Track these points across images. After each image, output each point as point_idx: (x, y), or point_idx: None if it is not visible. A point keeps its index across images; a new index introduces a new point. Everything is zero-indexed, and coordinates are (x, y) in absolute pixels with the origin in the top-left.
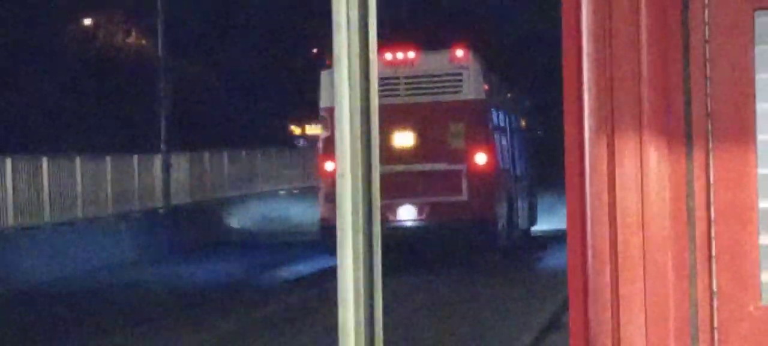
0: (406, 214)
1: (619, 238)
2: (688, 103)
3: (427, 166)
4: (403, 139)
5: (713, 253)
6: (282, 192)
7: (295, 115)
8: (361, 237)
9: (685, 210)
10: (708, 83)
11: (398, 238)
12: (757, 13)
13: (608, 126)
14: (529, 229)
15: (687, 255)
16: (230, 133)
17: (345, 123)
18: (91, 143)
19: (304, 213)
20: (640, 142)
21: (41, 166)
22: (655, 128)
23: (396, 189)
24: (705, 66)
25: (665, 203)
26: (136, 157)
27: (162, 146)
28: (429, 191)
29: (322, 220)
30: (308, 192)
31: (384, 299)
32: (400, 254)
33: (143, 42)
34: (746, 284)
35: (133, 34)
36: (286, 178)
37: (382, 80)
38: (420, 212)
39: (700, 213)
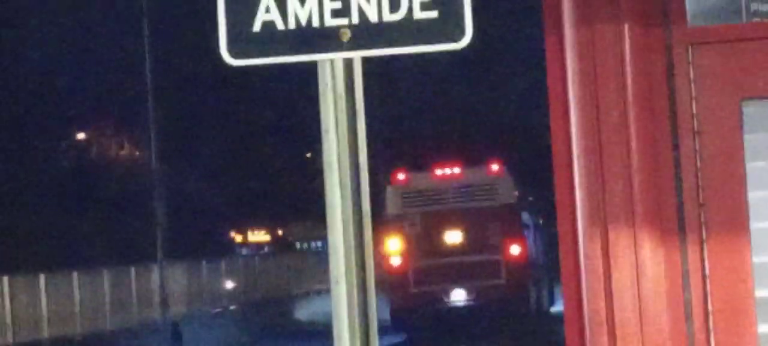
0: (458, 296)
1: (618, 334)
2: (679, 194)
3: (473, 258)
4: (453, 237)
5: (712, 344)
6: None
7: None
8: (357, 340)
9: (683, 304)
10: (699, 174)
11: (452, 317)
12: (743, 102)
13: (601, 222)
14: (549, 309)
15: None
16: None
17: (337, 231)
18: (88, 257)
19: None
20: (634, 237)
21: (39, 283)
22: (648, 221)
23: (449, 277)
24: (695, 157)
25: (662, 297)
26: (133, 269)
27: (159, 256)
28: (475, 277)
29: (393, 310)
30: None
31: None
32: (454, 329)
33: (137, 153)
34: None
35: (127, 146)
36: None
37: (434, 191)
38: (469, 294)
39: (697, 306)
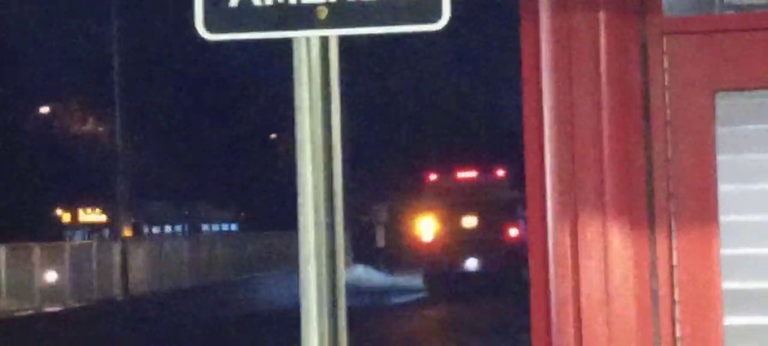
0: (471, 264)
1: (584, 321)
2: (650, 184)
3: (482, 237)
4: (468, 222)
5: (678, 334)
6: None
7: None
8: (326, 322)
9: (650, 293)
10: (670, 165)
11: (466, 279)
12: (718, 94)
13: (571, 209)
14: None
15: (652, 337)
16: None
17: (308, 210)
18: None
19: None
20: (603, 225)
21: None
22: (618, 211)
23: (465, 251)
24: (666, 148)
25: (629, 284)
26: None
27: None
28: (483, 251)
29: (424, 275)
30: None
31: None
32: (468, 287)
33: (100, 129)
34: None
35: (90, 121)
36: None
37: (456, 188)
38: (479, 263)
39: (663, 295)
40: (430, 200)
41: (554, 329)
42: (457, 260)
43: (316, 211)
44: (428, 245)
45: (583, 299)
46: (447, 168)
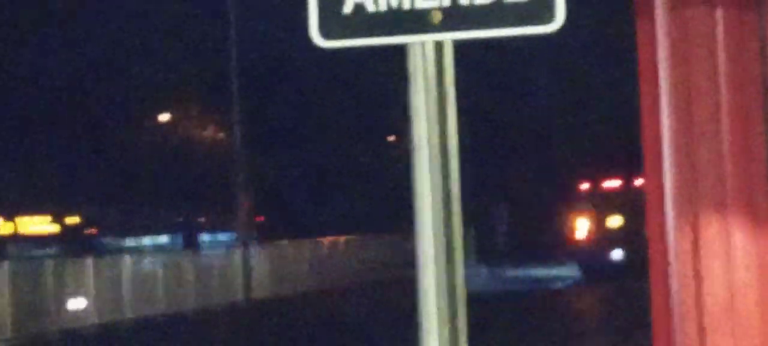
0: (617, 255)
1: (706, 326)
2: None
3: (625, 233)
4: (614, 222)
5: None
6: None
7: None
8: (446, 329)
9: None
10: None
11: (613, 266)
12: None
13: (691, 210)
14: None
15: None
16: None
17: (426, 215)
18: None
19: None
20: (725, 226)
21: (123, 262)
22: (740, 210)
23: (612, 243)
24: None
25: (753, 288)
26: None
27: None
28: (626, 244)
29: (579, 263)
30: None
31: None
32: (614, 272)
33: (221, 135)
34: None
35: (210, 128)
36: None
37: (604, 195)
38: (623, 254)
39: None
40: (583, 203)
41: (675, 332)
42: (606, 251)
43: (434, 215)
44: (583, 240)
45: (705, 304)
46: (597, 176)
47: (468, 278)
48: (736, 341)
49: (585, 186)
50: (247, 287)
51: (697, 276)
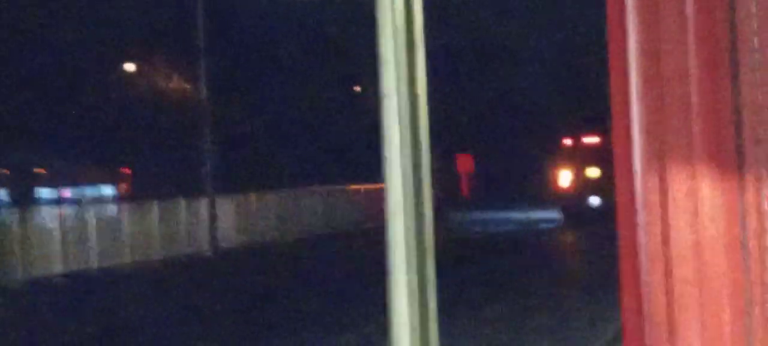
0: (594, 201)
1: (673, 270)
2: (739, 132)
3: (601, 181)
4: (592, 172)
5: None
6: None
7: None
8: (414, 277)
9: (739, 241)
10: (758, 112)
11: (591, 211)
12: None
13: (659, 159)
14: None
15: (742, 284)
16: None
17: (395, 163)
18: (138, 188)
19: None
20: (692, 174)
21: (88, 212)
22: (707, 159)
23: (590, 191)
24: (756, 93)
25: (719, 232)
26: (182, 201)
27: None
28: (602, 191)
29: (562, 208)
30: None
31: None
32: (592, 216)
33: (186, 86)
34: None
35: (175, 79)
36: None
37: (584, 149)
38: (600, 200)
39: (753, 242)
40: (565, 155)
41: (643, 278)
42: (584, 197)
43: (402, 163)
44: (565, 188)
45: (672, 249)
46: (579, 133)
47: (465, 222)
48: (701, 289)
49: (568, 142)
50: (214, 238)
51: (665, 227)
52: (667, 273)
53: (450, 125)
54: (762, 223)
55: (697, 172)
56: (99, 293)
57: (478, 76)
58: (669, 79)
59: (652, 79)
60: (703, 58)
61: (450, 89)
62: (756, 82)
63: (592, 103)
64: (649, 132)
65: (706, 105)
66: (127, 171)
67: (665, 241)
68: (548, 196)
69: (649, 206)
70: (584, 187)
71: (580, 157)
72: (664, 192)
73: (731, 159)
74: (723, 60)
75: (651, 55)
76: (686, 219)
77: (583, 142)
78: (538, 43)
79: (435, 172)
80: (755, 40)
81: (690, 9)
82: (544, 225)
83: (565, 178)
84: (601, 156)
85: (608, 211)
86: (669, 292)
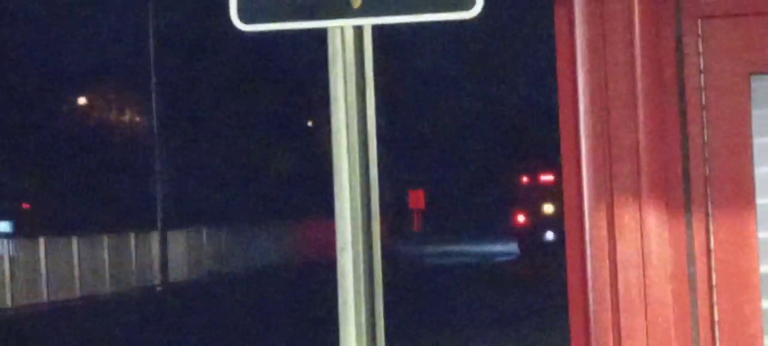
0: (549, 236)
1: (621, 305)
2: (686, 169)
3: (556, 218)
4: (547, 209)
5: (716, 318)
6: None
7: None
8: (363, 314)
9: (687, 278)
10: (705, 149)
11: (544, 245)
12: (753, 76)
13: (607, 197)
14: None
15: (690, 321)
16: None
17: (344, 198)
18: (88, 222)
19: None
20: (640, 211)
21: (38, 246)
22: (655, 196)
23: (545, 226)
24: (702, 132)
25: (667, 269)
26: (132, 235)
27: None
28: (557, 226)
29: (519, 243)
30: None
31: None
32: (546, 249)
33: (137, 119)
34: None
35: (127, 111)
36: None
37: (539, 187)
38: (554, 235)
39: (701, 279)
40: (521, 193)
41: (591, 312)
42: (540, 232)
43: (352, 198)
44: (522, 224)
45: (620, 285)
46: (534, 172)
47: (422, 254)
48: (649, 322)
49: (525, 179)
50: (165, 270)
51: (612, 264)
52: (614, 308)
53: (402, 162)
54: (709, 261)
55: (645, 208)
56: (42, 329)
57: (430, 113)
58: (617, 119)
59: (600, 120)
60: (650, 97)
61: (402, 125)
62: (703, 121)
63: (550, 142)
64: (597, 170)
65: (654, 143)
66: (27, 206)
67: (613, 276)
68: (505, 230)
69: (597, 242)
70: (540, 222)
71: (537, 194)
72: (611, 229)
73: (679, 198)
74: (671, 98)
75: (599, 96)
76: (633, 256)
77: (539, 180)
78: (492, 85)
79: (386, 207)
80: (702, 79)
81: (638, 48)
82: (500, 258)
83: (521, 214)
84: (556, 193)
85: (562, 244)
86: (615, 326)
